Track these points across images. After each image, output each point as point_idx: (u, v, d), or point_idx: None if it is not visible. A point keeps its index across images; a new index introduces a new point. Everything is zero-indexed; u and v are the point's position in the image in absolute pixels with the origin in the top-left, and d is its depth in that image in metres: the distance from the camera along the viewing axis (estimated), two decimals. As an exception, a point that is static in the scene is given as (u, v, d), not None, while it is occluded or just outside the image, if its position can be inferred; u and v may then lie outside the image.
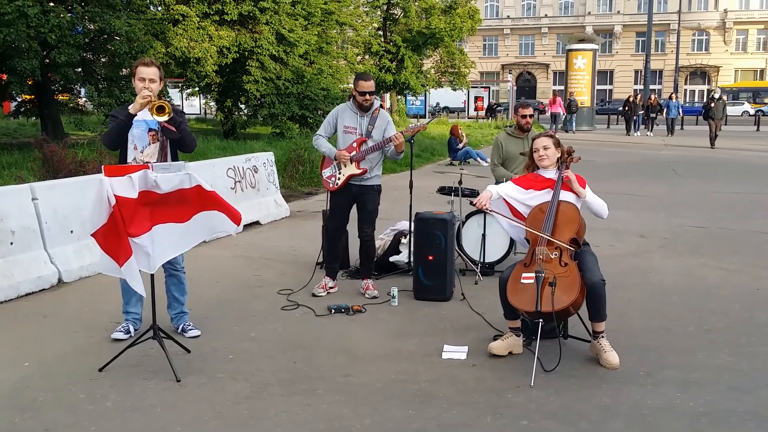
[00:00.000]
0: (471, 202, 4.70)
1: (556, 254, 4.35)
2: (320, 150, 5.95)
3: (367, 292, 5.95)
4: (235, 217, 4.22)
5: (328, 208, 6.04)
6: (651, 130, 29.38)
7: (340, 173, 5.82)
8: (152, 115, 4.41)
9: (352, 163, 5.78)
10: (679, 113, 29.94)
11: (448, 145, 18.01)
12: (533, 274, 4.25)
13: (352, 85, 5.85)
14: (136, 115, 4.50)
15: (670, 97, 29.88)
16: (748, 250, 7.73)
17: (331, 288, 6.03)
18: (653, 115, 29.74)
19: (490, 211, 4.66)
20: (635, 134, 29.12)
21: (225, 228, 4.30)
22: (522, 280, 4.29)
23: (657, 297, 5.92)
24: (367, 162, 5.81)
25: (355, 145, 5.79)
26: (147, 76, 4.53)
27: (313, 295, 5.88)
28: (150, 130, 4.60)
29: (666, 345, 4.75)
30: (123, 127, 4.52)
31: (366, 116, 5.81)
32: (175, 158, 4.73)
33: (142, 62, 4.61)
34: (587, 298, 4.28)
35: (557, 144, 4.73)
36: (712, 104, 23.04)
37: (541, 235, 4.41)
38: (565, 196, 4.59)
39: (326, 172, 5.92)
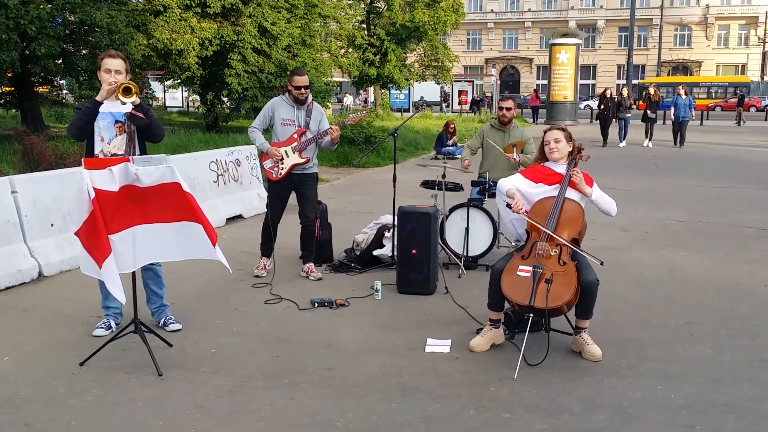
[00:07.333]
0: (507, 204, 4.49)
1: (555, 251, 4.31)
2: (254, 143, 6.23)
3: (310, 275, 6.21)
4: (212, 235, 4.13)
5: (269, 196, 6.27)
6: (650, 138, 20.93)
7: (282, 163, 6.05)
8: (119, 96, 4.35)
9: (294, 153, 6.04)
10: (692, 114, 20.85)
11: (437, 138, 17.91)
12: (530, 268, 4.23)
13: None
14: (102, 102, 4.45)
15: (677, 92, 20.69)
16: (729, 243, 7.80)
17: (266, 266, 6.31)
18: (652, 115, 20.99)
19: (527, 214, 4.46)
20: (621, 145, 20.45)
21: (203, 253, 4.17)
22: (518, 272, 4.26)
23: (638, 290, 5.96)
24: (308, 151, 6.09)
25: (296, 136, 6.07)
26: (113, 68, 4.52)
27: (256, 276, 6.17)
28: (116, 122, 4.55)
29: (647, 338, 4.79)
30: (89, 114, 4.46)
31: (302, 109, 6.12)
32: (143, 149, 4.68)
33: (108, 54, 4.62)
34: (579, 297, 4.25)
35: (569, 138, 4.68)
36: None
37: (544, 229, 4.35)
38: (572, 194, 4.54)
39: (268, 163, 6.14)
